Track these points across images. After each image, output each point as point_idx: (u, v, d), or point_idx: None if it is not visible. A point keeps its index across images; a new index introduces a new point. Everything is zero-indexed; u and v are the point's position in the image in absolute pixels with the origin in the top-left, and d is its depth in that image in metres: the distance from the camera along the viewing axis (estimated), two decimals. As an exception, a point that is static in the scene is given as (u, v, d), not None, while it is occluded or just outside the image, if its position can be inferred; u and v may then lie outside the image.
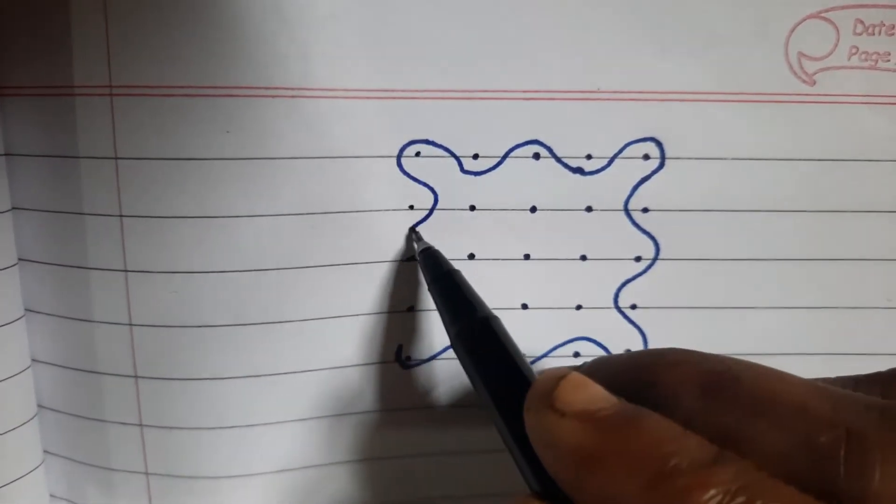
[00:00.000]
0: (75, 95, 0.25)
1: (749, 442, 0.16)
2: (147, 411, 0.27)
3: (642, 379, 0.19)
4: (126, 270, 0.26)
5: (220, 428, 0.28)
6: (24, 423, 0.28)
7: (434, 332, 0.28)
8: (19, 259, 0.27)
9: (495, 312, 0.27)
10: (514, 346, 0.22)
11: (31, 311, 0.28)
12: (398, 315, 0.28)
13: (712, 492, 0.15)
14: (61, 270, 0.26)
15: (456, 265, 0.27)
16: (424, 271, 0.26)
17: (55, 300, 0.27)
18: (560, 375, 0.18)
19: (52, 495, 0.29)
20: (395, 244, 0.27)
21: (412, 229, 0.27)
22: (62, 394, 0.28)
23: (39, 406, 0.29)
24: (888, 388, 0.19)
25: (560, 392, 0.18)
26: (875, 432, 0.15)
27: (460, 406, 0.29)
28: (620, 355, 0.22)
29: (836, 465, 0.15)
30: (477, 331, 0.23)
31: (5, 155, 0.26)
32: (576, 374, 0.18)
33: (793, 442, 0.16)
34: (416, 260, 0.27)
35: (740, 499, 0.15)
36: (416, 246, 0.27)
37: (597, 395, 0.18)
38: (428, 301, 0.28)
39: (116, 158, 0.25)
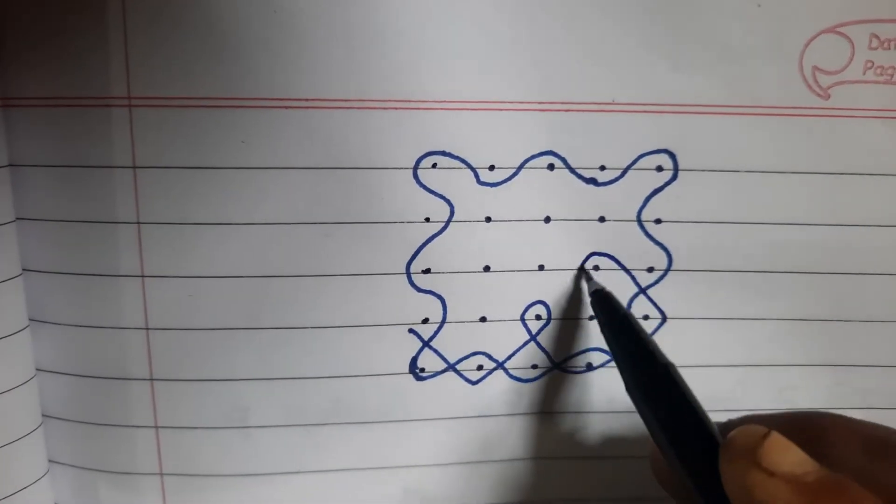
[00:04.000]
0: (95, 107, 0.25)
1: None
2: (162, 413, 0.29)
3: (805, 437, 0.21)
4: (143, 276, 0.27)
5: (235, 428, 0.29)
6: (30, 433, 0.29)
7: (448, 344, 0.29)
8: (24, 269, 0.28)
9: (510, 323, 0.29)
10: (694, 396, 0.23)
11: (35, 320, 0.28)
12: (414, 326, 0.29)
13: None
14: (73, 279, 0.27)
15: (471, 278, 0.28)
16: (598, 312, 0.27)
17: (65, 309, 0.28)
18: (763, 433, 0.20)
19: (57, 505, 0.30)
20: (409, 256, 0.28)
21: (582, 268, 0.28)
22: (70, 402, 0.29)
23: (44, 415, 0.29)
24: None
25: (766, 451, 0.20)
26: None
27: (472, 417, 0.30)
28: (773, 414, 0.24)
29: None
30: (656, 379, 0.24)
31: (9, 166, 0.27)
32: (778, 435, 0.20)
33: None
34: (428, 272, 0.28)
35: None
36: (586, 286, 0.28)
37: (802, 458, 0.20)
38: (443, 314, 0.29)
39: (135, 168, 0.26)
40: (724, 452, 0.21)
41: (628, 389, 0.25)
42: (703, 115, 0.28)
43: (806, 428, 0.22)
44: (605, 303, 0.27)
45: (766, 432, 0.20)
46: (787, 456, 0.20)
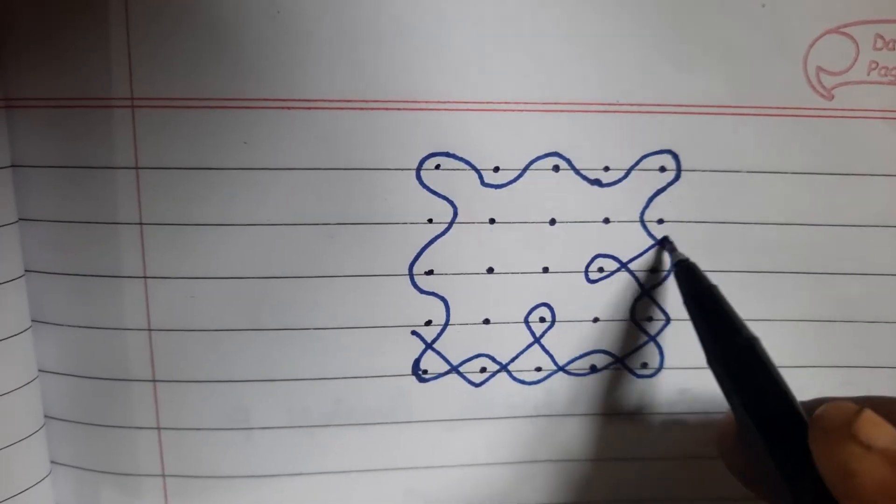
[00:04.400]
0: (97, 108, 0.25)
1: None
2: (165, 414, 0.29)
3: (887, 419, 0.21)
4: (146, 277, 0.27)
5: (237, 429, 0.29)
6: (31, 435, 0.29)
7: (451, 346, 0.29)
8: (26, 270, 0.28)
9: (514, 325, 0.29)
10: (779, 372, 0.23)
11: (38, 321, 0.28)
12: (416, 328, 0.29)
13: None
14: (76, 280, 0.27)
15: (475, 279, 0.28)
16: (681, 284, 0.27)
17: (67, 310, 0.28)
18: (856, 409, 0.21)
19: (59, 506, 0.30)
20: (412, 258, 0.28)
21: (666, 239, 0.28)
22: (72, 403, 0.29)
23: (46, 416, 0.29)
24: None
25: (862, 425, 0.20)
26: None
27: (475, 419, 0.30)
28: (852, 397, 0.24)
29: None
30: (741, 353, 0.24)
31: (12, 167, 0.27)
32: (871, 412, 0.20)
33: None
34: (431, 274, 0.28)
35: None
36: (670, 257, 0.28)
37: (894, 435, 0.20)
38: (446, 316, 0.29)
39: (137, 168, 0.26)
40: (816, 427, 0.21)
41: (710, 363, 0.25)
42: (706, 116, 0.28)
43: (887, 412, 0.22)
44: (689, 274, 0.27)
45: (859, 408, 0.20)
46: (882, 431, 0.20)
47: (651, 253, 0.29)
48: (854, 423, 0.20)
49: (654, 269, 0.28)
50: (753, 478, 0.26)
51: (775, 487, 0.22)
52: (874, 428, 0.20)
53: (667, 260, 0.28)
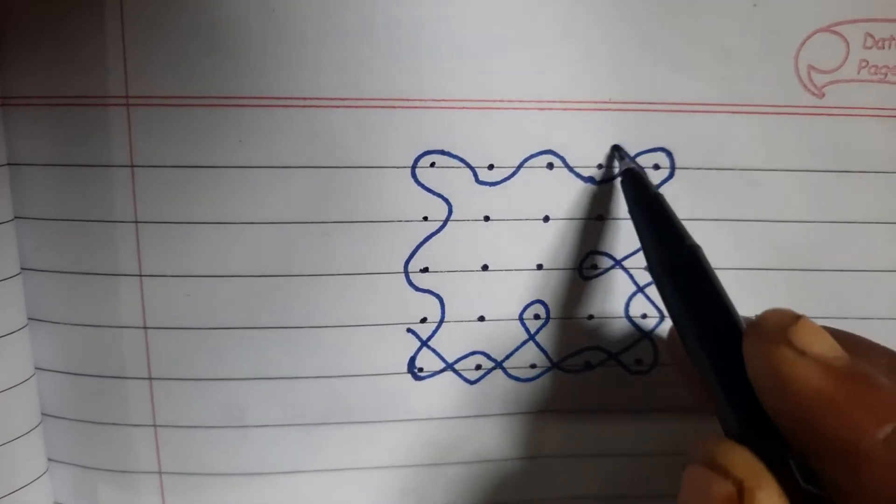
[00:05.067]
0: (92, 106, 0.26)
1: None
2: (161, 412, 0.29)
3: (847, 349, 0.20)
4: (141, 275, 0.27)
5: (233, 427, 0.29)
6: (29, 432, 0.29)
7: (447, 343, 0.29)
8: (22, 268, 0.28)
9: (509, 322, 0.29)
10: (719, 280, 0.23)
11: (34, 319, 0.28)
12: (412, 326, 0.29)
13: None
14: (72, 278, 0.27)
15: (470, 277, 0.28)
16: (627, 192, 0.27)
17: (64, 308, 0.28)
18: (796, 315, 0.20)
19: (56, 503, 0.30)
20: (407, 255, 0.28)
21: (616, 147, 0.28)
22: (69, 400, 0.29)
23: (43, 414, 0.29)
24: None
25: (799, 330, 0.19)
26: None
27: (470, 417, 0.30)
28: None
29: None
30: (684, 259, 0.24)
31: (8, 165, 0.27)
32: (809, 319, 0.20)
33: None
34: (426, 271, 0.28)
35: None
36: (618, 165, 0.27)
37: (833, 344, 0.19)
38: (441, 313, 0.29)
39: (133, 167, 0.26)
40: (752, 331, 0.20)
41: (652, 271, 0.25)
42: (699, 114, 0.28)
43: (850, 341, 0.21)
44: (635, 181, 0.27)
45: (798, 315, 0.20)
46: (819, 339, 0.19)
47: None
48: (790, 328, 0.19)
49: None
50: (698, 390, 0.25)
51: (715, 398, 0.22)
52: (811, 334, 0.19)
53: (617, 166, 0.28)
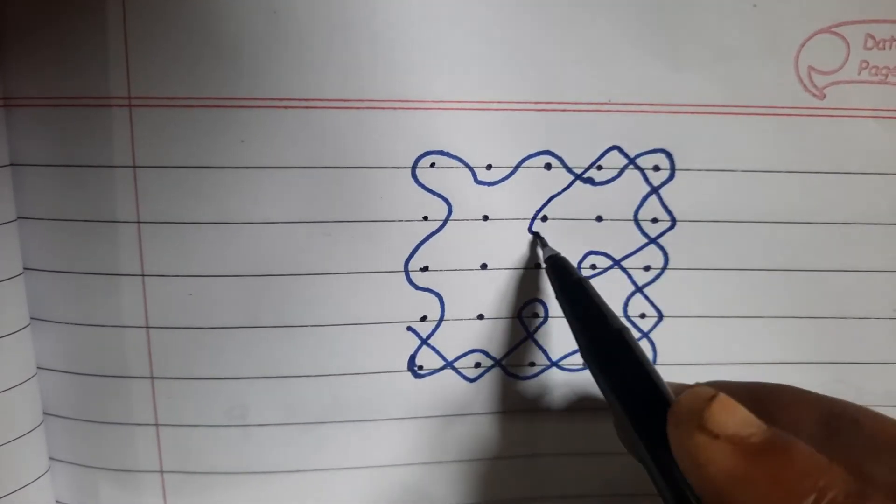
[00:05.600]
0: (95, 107, 0.26)
1: (869, 481, 0.18)
2: (163, 411, 0.29)
3: (762, 408, 0.20)
4: (143, 275, 0.27)
5: (235, 426, 0.29)
6: (31, 431, 0.29)
7: (446, 341, 0.29)
8: (25, 268, 0.28)
9: (508, 321, 0.29)
10: (648, 360, 0.23)
11: (36, 319, 0.29)
12: (411, 324, 0.29)
13: None
14: (74, 278, 0.28)
15: (469, 275, 0.28)
16: (552, 279, 0.27)
17: (66, 307, 0.28)
18: (709, 396, 0.20)
19: (58, 502, 0.30)
20: (408, 254, 0.28)
21: (536, 234, 0.28)
22: (71, 400, 0.29)
23: (45, 413, 0.30)
24: None
25: (712, 413, 0.19)
26: None
27: (469, 414, 0.30)
28: (733, 382, 0.24)
29: None
30: (610, 342, 0.24)
31: (11, 165, 0.27)
32: (725, 396, 0.20)
33: None
34: (426, 270, 0.28)
35: None
36: (541, 252, 0.28)
37: (747, 419, 0.19)
38: (441, 311, 0.29)
39: (135, 167, 0.26)
40: (671, 415, 0.20)
41: (583, 354, 0.25)
42: (699, 115, 0.28)
43: (763, 399, 0.22)
44: (559, 268, 0.27)
45: (713, 394, 0.20)
46: (732, 417, 0.19)
47: (641, 252, 0.29)
48: (705, 411, 0.19)
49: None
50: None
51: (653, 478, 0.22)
52: (724, 414, 0.19)
53: (540, 254, 0.29)
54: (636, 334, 0.30)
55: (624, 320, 0.30)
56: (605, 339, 0.24)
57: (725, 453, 0.19)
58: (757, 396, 0.22)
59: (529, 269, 0.29)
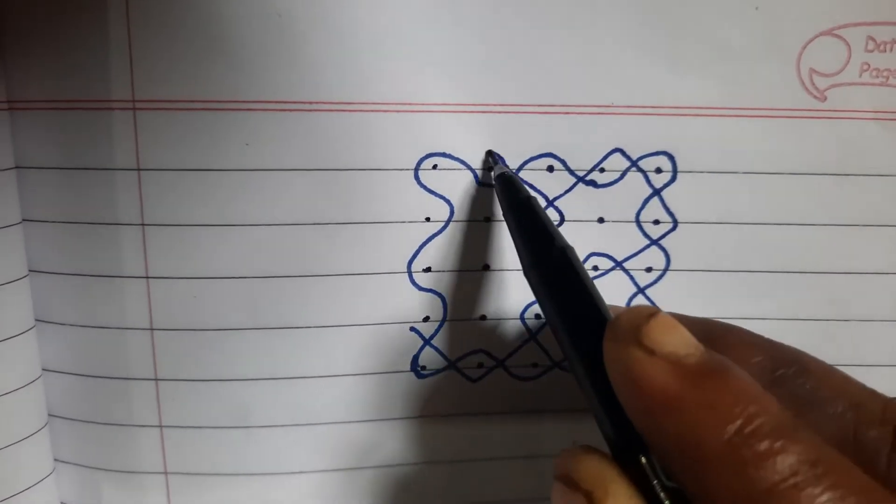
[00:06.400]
0: (99, 109, 0.26)
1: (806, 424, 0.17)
2: (167, 412, 0.29)
3: (712, 345, 0.19)
4: (148, 277, 0.27)
5: (238, 427, 0.29)
6: (35, 433, 0.29)
7: (449, 342, 0.30)
8: (30, 271, 0.28)
9: (510, 322, 0.29)
10: (591, 280, 0.23)
11: (42, 321, 0.29)
12: (415, 325, 0.29)
13: (792, 458, 0.16)
14: (79, 280, 0.28)
15: (471, 276, 0.28)
16: (500, 196, 0.27)
17: (70, 309, 0.28)
18: (650, 312, 0.19)
19: (63, 503, 0.30)
20: (410, 255, 0.28)
21: (490, 152, 0.28)
22: (76, 401, 0.29)
23: (50, 415, 0.30)
24: None
25: (650, 329, 0.18)
26: None
27: (472, 415, 0.30)
28: (690, 317, 0.23)
29: (880, 456, 0.18)
30: (554, 260, 0.23)
31: (16, 168, 0.27)
32: (666, 315, 0.19)
33: (847, 432, 0.19)
34: (429, 271, 0.28)
35: (818, 470, 0.16)
36: (493, 170, 0.27)
37: (687, 340, 0.18)
38: (443, 312, 0.29)
39: (139, 170, 0.26)
40: (609, 329, 0.19)
41: (526, 273, 0.24)
42: (701, 118, 0.28)
43: (713, 336, 0.21)
44: (508, 186, 0.26)
45: (653, 311, 0.19)
46: (671, 336, 0.18)
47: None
48: (643, 327, 0.18)
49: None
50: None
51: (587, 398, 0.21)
52: (664, 332, 0.18)
53: (492, 173, 0.28)
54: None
55: (626, 321, 0.30)
56: (548, 256, 0.23)
57: (660, 371, 0.18)
58: (708, 333, 0.21)
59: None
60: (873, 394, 0.20)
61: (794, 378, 0.20)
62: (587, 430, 0.31)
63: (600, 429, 0.20)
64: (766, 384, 0.19)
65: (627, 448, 0.19)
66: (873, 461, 0.18)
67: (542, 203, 0.29)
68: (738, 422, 0.16)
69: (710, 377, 0.17)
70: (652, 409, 0.18)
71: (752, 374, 0.19)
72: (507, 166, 0.28)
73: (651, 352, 0.18)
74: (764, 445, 0.16)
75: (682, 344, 0.18)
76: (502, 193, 0.26)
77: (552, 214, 0.29)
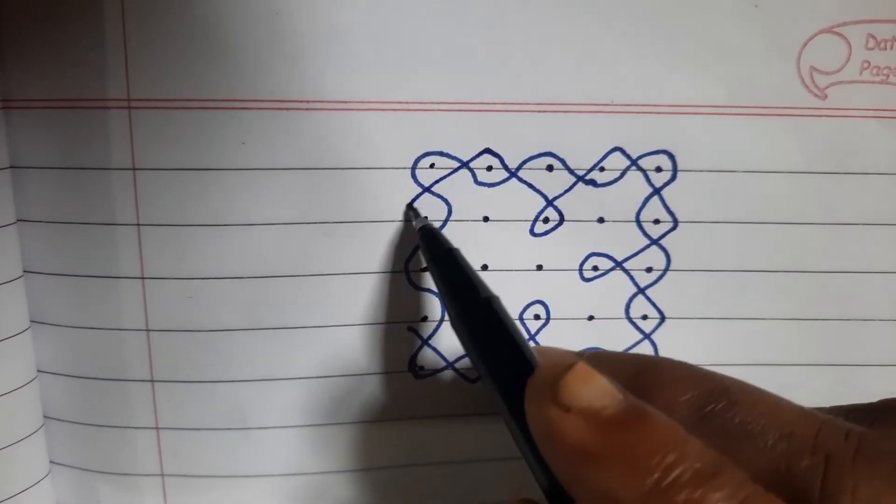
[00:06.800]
0: (94, 109, 0.26)
1: (738, 461, 0.17)
2: (163, 414, 0.29)
3: (639, 384, 0.19)
4: (143, 277, 0.27)
5: (235, 429, 0.29)
6: (31, 435, 0.29)
7: (447, 342, 0.29)
8: (25, 271, 0.28)
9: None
10: (517, 329, 0.23)
11: (37, 322, 0.29)
12: (413, 324, 0.29)
13: None
14: (74, 280, 0.28)
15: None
16: (423, 249, 0.27)
17: (66, 310, 0.28)
18: (566, 365, 0.18)
19: (59, 506, 0.30)
20: (408, 255, 0.28)
21: (409, 206, 0.28)
22: (71, 403, 0.29)
23: (45, 417, 0.30)
24: (876, 419, 0.20)
25: (566, 383, 0.18)
26: (850, 461, 0.17)
27: (471, 415, 0.30)
28: (619, 353, 0.23)
29: (813, 489, 0.17)
30: (479, 312, 0.23)
31: (10, 168, 0.27)
32: (582, 365, 0.18)
33: (777, 465, 0.18)
34: (427, 270, 0.28)
35: None
36: (413, 223, 0.28)
37: (603, 391, 0.18)
38: (441, 312, 0.29)
39: (134, 170, 0.26)
40: (528, 389, 0.19)
41: (452, 325, 0.24)
42: (701, 116, 0.28)
43: (645, 374, 0.20)
44: (431, 237, 0.26)
45: (570, 364, 0.18)
46: (588, 389, 0.18)
47: (644, 253, 0.29)
48: (559, 382, 0.18)
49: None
50: None
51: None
52: (581, 385, 0.18)
53: (414, 225, 0.28)
54: (638, 336, 0.30)
55: (626, 322, 0.30)
56: (473, 308, 0.23)
57: (576, 428, 0.17)
58: (639, 370, 0.21)
59: (531, 272, 0.29)
60: (807, 417, 0.19)
61: (723, 413, 0.19)
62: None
63: (535, 479, 0.20)
64: (694, 421, 0.19)
65: (558, 501, 0.19)
66: (806, 492, 0.17)
67: (542, 203, 0.28)
68: (656, 475, 0.16)
69: (627, 428, 0.17)
70: (572, 465, 0.17)
71: (681, 412, 0.18)
72: (426, 219, 0.28)
73: (567, 408, 0.18)
74: (682, 497, 0.16)
75: (599, 395, 0.18)
76: (425, 246, 0.26)
77: (552, 214, 0.29)
